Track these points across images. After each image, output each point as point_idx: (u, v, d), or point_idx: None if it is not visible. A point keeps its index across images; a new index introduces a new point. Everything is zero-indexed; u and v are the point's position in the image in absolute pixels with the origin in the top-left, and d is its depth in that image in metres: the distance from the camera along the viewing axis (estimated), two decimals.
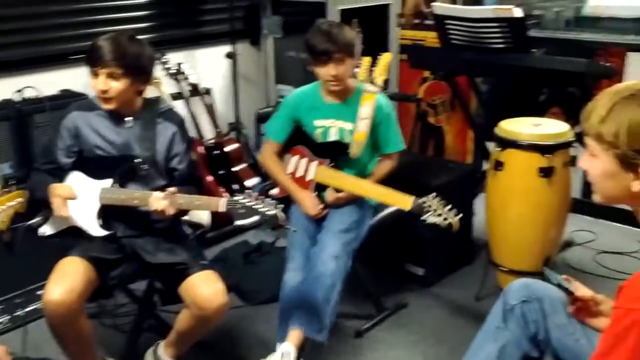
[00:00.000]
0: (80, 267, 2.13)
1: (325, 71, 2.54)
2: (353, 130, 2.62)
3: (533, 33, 3.75)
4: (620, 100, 1.29)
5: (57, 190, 2.21)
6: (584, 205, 3.75)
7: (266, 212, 2.01)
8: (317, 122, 2.69)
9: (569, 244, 3.50)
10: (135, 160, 2.25)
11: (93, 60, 2.17)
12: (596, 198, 1.43)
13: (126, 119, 2.29)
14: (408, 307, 2.99)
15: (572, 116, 3.76)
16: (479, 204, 3.18)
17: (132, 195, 2.20)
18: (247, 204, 2.02)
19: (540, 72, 3.12)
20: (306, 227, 2.62)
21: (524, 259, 2.87)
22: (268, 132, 2.79)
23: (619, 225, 3.72)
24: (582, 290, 1.71)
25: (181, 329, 2.27)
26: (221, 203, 2.07)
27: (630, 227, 3.61)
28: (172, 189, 2.13)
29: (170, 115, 2.37)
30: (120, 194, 2.21)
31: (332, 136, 2.69)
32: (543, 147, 2.72)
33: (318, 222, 2.64)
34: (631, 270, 3.16)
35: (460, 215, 2.32)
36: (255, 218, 2.02)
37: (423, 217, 2.33)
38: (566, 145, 2.78)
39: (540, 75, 3.14)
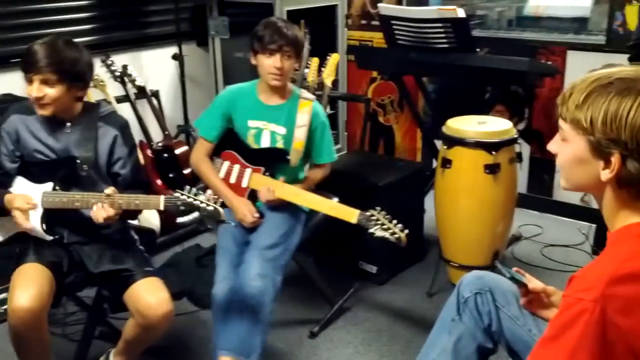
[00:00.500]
0: (41, 272, 2.09)
1: (272, 62, 2.49)
2: (286, 135, 2.61)
3: (477, 33, 3.83)
4: (598, 88, 1.28)
5: (15, 202, 2.12)
6: (530, 200, 3.85)
7: (206, 207, 2.01)
8: (251, 123, 2.63)
9: (517, 238, 3.58)
10: (77, 162, 2.19)
11: (27, 65, 2.08)
12: (563, 184, 1.43)
13: (66, 124, 2.23)
14: (362, 305, 3.01)
15: (515, 113, 3.86)
16: (429, 202, 3.22)
17: (73, 197, 2.14)
18: (187, 200, 2.02)
19: (484, 71, 3.18)
20: (233, 233, 2.55)
21: (474, 254, 2.92)
22: (200, 129, 2.70)
23: (564, 219, 3.81)
24: (534, 282, 1.74)
25: (128, 338, 2.24)
26: (161, 200, 2.05)
27: (575, 221, 3.72)
28: (109, 190, 2.09)
29: (112, 119, 2.29)
30: (62, 196, 2.15)
31: (265, 139, 2.63)
32: (488, 144, 2.77)
33: (248, 230, 2.57)
34: (577, 262, 3.28)
35: (407, 231, 2.31)
36: (196, 214, 2.02)
37: (371, 230, 2.32)
38: (511, 142, 2.84)
39: (485, 74, 3.20)
